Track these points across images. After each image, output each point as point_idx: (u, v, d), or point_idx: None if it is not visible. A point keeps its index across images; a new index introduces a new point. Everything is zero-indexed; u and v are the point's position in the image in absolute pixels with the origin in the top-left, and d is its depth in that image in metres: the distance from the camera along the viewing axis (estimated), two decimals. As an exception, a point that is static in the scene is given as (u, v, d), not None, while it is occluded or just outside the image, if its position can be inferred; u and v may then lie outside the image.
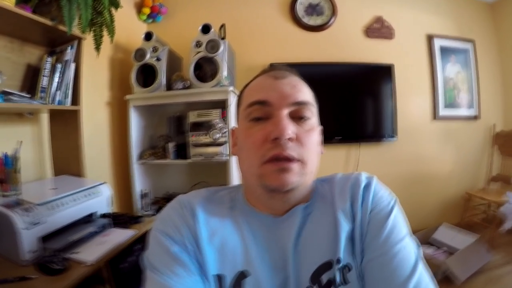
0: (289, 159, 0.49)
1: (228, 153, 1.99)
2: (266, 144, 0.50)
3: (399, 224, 0.51)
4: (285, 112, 0.51)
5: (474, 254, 2.11)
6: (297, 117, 0.52)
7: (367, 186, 0.55)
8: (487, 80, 3.00)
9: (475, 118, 2.96)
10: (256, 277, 0.47)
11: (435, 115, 2.83)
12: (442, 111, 2.84)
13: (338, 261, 0.47)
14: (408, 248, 0.48)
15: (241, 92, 0.61)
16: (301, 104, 0.53)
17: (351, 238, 0.50)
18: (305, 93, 0.55)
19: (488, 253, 2.18)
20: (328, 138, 2.56)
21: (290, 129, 0.49)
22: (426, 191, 2.82)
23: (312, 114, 0.55)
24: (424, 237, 2.41)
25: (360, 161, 2.61)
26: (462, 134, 2.93)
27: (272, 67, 0.62)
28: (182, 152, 2.16)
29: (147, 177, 2.33)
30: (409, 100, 2.76)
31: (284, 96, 0.52)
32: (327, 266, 0.48)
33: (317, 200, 0.57)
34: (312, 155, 0.52)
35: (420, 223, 2.60)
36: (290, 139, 0.49)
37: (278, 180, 0.49)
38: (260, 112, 0.52)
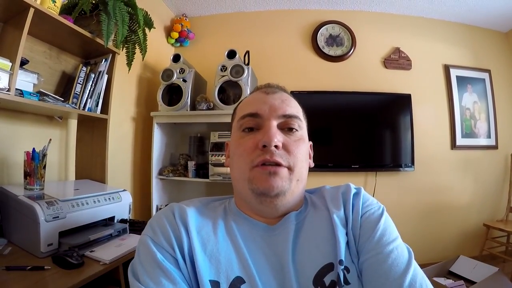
0: (277, 164, 0.52)
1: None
2: (256, 151, 0.53)
3: (390, 227, 0.53)
4: (274, 123, 0.55)
5: (494, 286, 1.97)
6: (286, 128, 0.57)
7: (357, 193, 0.59)
8: (504, 109, 2.96)
9: (492, 147, 2.90)
10: (253, 283, 0.46)
11: (452, 145, 2.79)
12: (460, 141, 2.80)
13: (341, 262, 0.48)
14: (401, 247, 0.50)
15: (236, 107, 0.66)
16: (289, 117, 0.57)
17: (347, 241, 0.52)
18: (293, 108, 0.59)
19: (509, 284, 2.03)
20: (346, 166, 2.57)
21: (277, 137, 0.53)
22: (444, 222, 2.71)
23: (300, 127, 0.58)
24: (442, 269, 2.27)
25: (377, 190, 2.55)
26: (480, 164, 2.85)
27: (265, 84, 0.67)
28: (201, 171, 2.20)
29: (165, 193, 2.36)
30: (427, 129, 2.74)
31: (274, 109, 0.56)
32: (329, 268, 0.48)
33: (308, 208, 0.59)
34: (299, 163, 0.55)
35: (438, 255, 2.49)
36: (277, 146, 0.52)
37: (267, 183, 0.51)
38: (252, 123, 0.57)
